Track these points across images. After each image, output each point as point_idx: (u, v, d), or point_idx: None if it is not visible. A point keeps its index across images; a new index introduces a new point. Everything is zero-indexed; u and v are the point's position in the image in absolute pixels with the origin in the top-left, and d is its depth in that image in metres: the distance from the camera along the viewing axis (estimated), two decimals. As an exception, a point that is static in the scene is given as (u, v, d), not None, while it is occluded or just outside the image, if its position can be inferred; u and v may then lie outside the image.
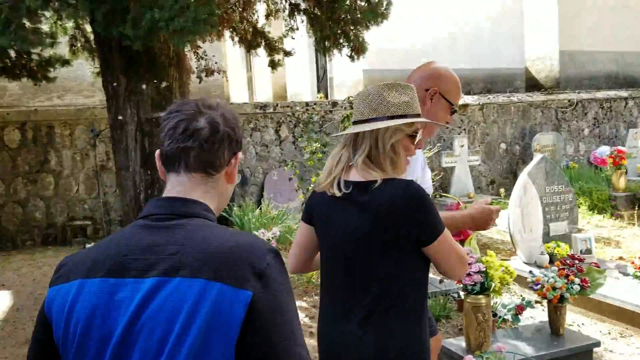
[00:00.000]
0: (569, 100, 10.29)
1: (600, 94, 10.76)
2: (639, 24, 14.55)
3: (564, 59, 13.86)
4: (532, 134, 9.84)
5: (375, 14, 5.61)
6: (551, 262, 5.06)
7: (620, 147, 8.09)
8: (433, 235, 1.62)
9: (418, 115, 1.72)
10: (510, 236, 5.51)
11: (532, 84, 14.35)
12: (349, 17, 5.62)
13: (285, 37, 6.62)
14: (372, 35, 6.97)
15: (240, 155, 1.23)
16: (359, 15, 5.61)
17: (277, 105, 8.46)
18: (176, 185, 1.17)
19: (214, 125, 1.15)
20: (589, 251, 5.38)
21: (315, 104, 8.63)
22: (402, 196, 1.60)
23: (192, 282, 1.01)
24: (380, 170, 1.65)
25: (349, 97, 8.31)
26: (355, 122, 1.72)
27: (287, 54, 6.86)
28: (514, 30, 13.23)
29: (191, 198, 1.15)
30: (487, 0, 12.69)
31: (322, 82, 13.64)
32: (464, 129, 9.47)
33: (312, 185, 5.67)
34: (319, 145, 6.07)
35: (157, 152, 1.20)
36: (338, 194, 1.67)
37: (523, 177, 5.45)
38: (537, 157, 5.62)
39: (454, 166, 8.54)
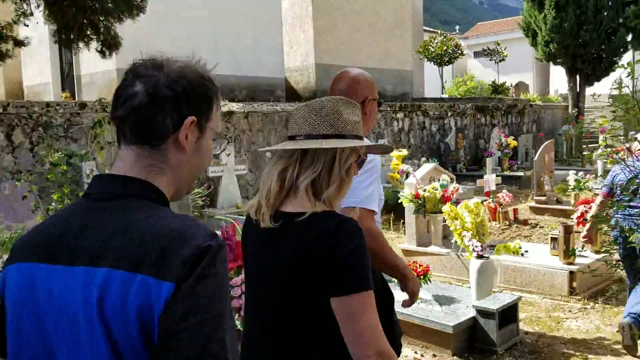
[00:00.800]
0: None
1: (353, 106, 11.51)
2: (382, 42, 16.18)
3: (319, 71, 14.63)
4: (294, 143, 10.01)
5: (130, 5, 4.88)
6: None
7: (373, 156, 8.63)
8: (349, 287, 1.33)
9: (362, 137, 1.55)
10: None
11: (292, 94, 14.83)
12: (97, 5, 4.78)
13: (16, 23, 5.42)
14: (128, 31, 6.19)
15: (195, 119, 1.07)
16: (110, 5, 4.80)
17: (8, 104, 6.99)
18: (118, 161, 1.09)
19: (150, 88, 1.04)
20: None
21: (58, 104, 7.36)
22: (332, 232, 1.36)
23: (113, 273, 0.95)
24: (319, 201, 1.43)
25: (100, 99, 7.28)
26: (306, 137, 1.46)
27: (19, 43, 5.64)
28: (275, 41, 13.45)
29: (129, 175, 1.06)
30: (247, 9, 12.64)
31: (68, 79, 12.01)
32: (230, 137, 9.16)
33: (53, 204, 4.67)
34: (63, 155, 5.06)
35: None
36: (271, 226, 1.44)
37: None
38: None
39: (221, 176, 8.13)
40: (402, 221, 8.07)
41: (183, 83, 1.05)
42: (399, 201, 6.33)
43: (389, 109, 12.22)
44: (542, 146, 9.13)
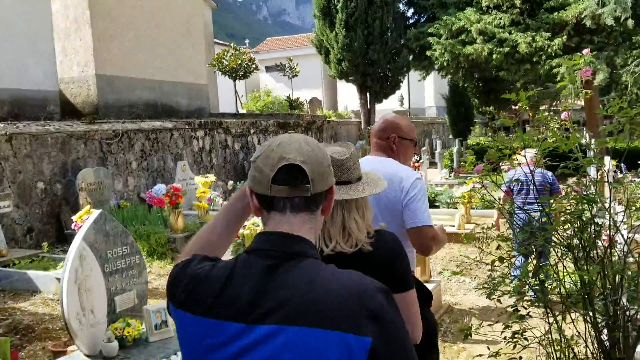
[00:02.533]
0: (114, 131, 9.19)
1: (146, 125, 10.09)
2: (172, 53, 14.85)
3: (101, 83, 12.78)
4: (75, 170, 8.30)
5: None
6: (122, 347, 3.87)
7: (176, 185, 7.44)
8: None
9: None
10: (66, 324, 3.93)
11: (69, 110, 12.71)
12: None
13: None
14: None
15: (334, 187, 1.27)
16: None
17: None
18: (282, 224, 1.20)
19: (317, 165, 1.20)
20: (165, 324, 4.31)
21: None
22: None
23: (311, 332, 1.04)
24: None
25: None
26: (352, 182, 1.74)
27: None
28: (45, 48, 11.28)
29: (300, 236, 1.19)
30: (6, 10, 10.38)
31: None
32: (-16, 167, 7.15)
33: None
34: None
35: (248, 188, 1.26)
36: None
37: (77, 243, 3.94)
38: (94, 214, 4.20)
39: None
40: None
41: (328, 156, 1.26)
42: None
43: (187, 126, 11.05)
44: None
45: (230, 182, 10.46)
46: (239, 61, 20.16)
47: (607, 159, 5.32)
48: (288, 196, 1.18)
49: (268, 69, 33.43)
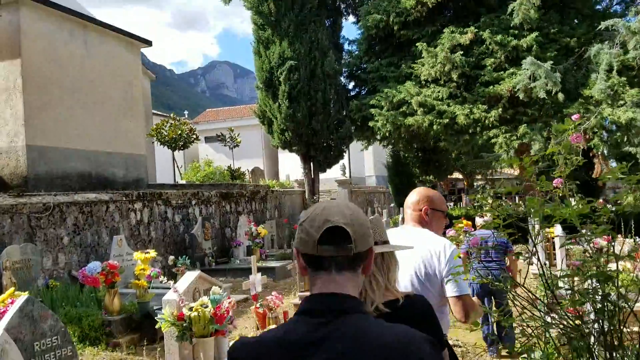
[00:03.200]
0: (45, 204, 8.51)
1: (80, 197, 9.44)
2: (108, 123, 14.34)
3: (32, 154, 12.05)
4: (0, 247, 7.54)
5: None
6: None
7: (112, 262, 6.83)
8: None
9: None
10: None
11: (-5, 182, 11.84)
12: None
13: None
14: None
15: (374, 248, 1.39)
16: None
17: None
18: (329, 283, 1.29)
19: (359, 226, 1.30)
20: None
21: None
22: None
23: None
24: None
25: None
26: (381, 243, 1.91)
27: None
28: (-31, 115, 10.60)
29: (347, 294, 1.28)
30: None
31: None
32: None
33: None
34: None
35: (295, 249, 1.35)
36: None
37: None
38: (20, 299, 3.65)
39: None
40: (157, 345, 6.39)
41: (366, 218, 1.38)
42: (159, 318, 4.79)
43: (124, 198, 10.45)
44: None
45: (171, 257, 9.84)
46: (179, 131, 19.79)
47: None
48: (333, 255, 1.28)
49: (208, 139, 33.16)
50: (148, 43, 16.33)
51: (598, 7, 15.79)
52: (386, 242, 1.92)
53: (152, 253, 7.17)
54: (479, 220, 6.23)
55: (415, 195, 2.80)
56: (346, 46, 18.81)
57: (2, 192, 9.50)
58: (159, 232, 11.37)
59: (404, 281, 2.46)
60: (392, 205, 24.20)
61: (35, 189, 11.16)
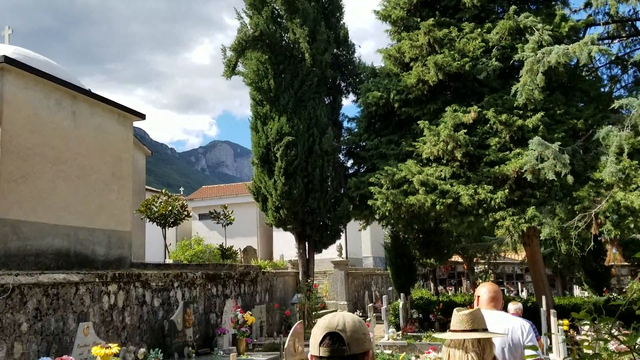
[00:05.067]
0: (3, 285, 7.52)
1: (46, 278, 8.45)
2: (91, 198, 13.52)
3: (4, 229, 11.13)
4: (-62, 337, 6.47)
5: None
6: None
7: (68, 357, 5.78)
8: None
9: None
10: None
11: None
12: None
13: None
14: None
15: (371, 352, 1.69)
16: None
17: None
18: None
19: (353, 333, 1.66)
20: None
21: None
22: None
23: None
24: None
25: None
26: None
27: None
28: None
29: None
30: None
31: None
32: None
33: None
34: None
35: (310, 355, 1.69)
36: None
37: None
38: None
39: None
40: None
41: (365, 330, 1.74)
42: None
43: (97, 279, 9.45)
44: (291, 331, 7.50)
45: (142, 351, 8.71)
46: (170, 208, 18.98)
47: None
48: (329, 356, 1.62)
49: (202, 216, 32.36)
50: (141, 116, 15.84)
51: (603, 90, 15.50)
52: (485, 329, 2.61)
53: (114, 348, 6.13)
54: (511, 307, 7.11)
55: (490, 286, 3.78)
56: (345, 123, 18.44)
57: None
58: (135, 318, 10.26)
59: (496, 352, 2.96)
60: (390, 288, 22.98)
61: (5, 267, 10.18)
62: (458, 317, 2.62)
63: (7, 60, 11.27)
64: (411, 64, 15.34)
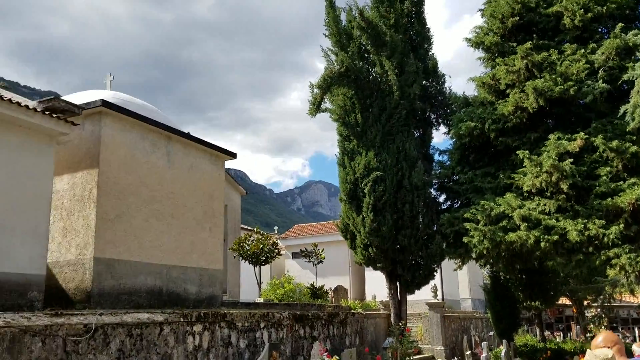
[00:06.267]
0: (86, 325, 7.52)
1: (130, 317, 8.41)
2: (184, 236, 13.68)
3: (98, 267, 11.40)
4: (23, 376, 6.48)
5: None
6: None
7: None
8: None
9: None
10: None
11: (59, 297, 11.22)
12: None
13: None
14: None
15: None
16: None
17: None
18: None
19: None
20: None
21: None
22: None
23: None
24: None
25: None
26: None
27: None
28: (37, 227, 10.16)
29: None
30: None
31: None
32: None
33: None
34: None
35: None
36: None
37: None
38: None
39: None
40: None
41: None
42: None
43: (181, 319, 9.31)
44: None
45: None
46: (261, 246, 18.97)
47: None
48: None
49: (295, 255, 32.36)
50: (232, 155, 16.03)
51: None
52: None
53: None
54: (636, 349, 6.91)
55: (606, 336, 3.77)
56: (436, 156, 17.68)
57: (63, 307, 8.70)
58: (220, 360, 10.00)
59: None
60: (491, 333, 21.36)
61: (99, 305, 10.37)
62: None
63: (105, 104, 11.77)
64: (507, 90, 14.44)
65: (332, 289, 20.47)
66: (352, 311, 15.21)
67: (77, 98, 12.91)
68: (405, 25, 16.88)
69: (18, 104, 9.39)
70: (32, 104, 10.11)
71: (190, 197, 14.25)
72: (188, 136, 14.32)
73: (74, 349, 7.29)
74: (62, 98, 10.59)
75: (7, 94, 10.56)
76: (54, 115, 10.05)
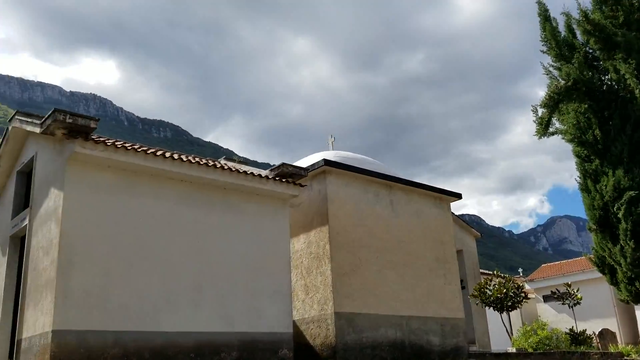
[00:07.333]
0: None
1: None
2: (418, 285, 13.28)
3: (340, 322, 11.59)
4: None
5: None
6: None
7: None
8: None
9: None
10: None
11: (308, 353, 11.67)
12: None
13: None
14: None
15: None
16: None
17: None
18: None
19: None
20: None
21: None
22: None
23: None
24: None
25: None
26: None
27: None
28: (282, 287, 10.80)
29: None
30: (241, 247, 10.41)
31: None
32: None
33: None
34: None
35: None
36: None
37: None
38: None
39: None
40: None
41: None
42: None
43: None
44: None
45: None
46: (504, 290, 17.55)
47: None
48: None
49: (546, 298, 29.42)
50: (457, 196, 15.38)
51: None
52: None
53: None
54: None
55: None
56: None
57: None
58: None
59: None
60: None
61: (343, 359, 10.46)
62: None
63: (327, 162, 12.31)
64: None
65: (596, 333, 17.81)
66: (625, 358, 12.88)
67: (304, 162, 13.78)
68: (638, 21, 14.67)
69: (252, 174, 10.28)
70: (264, 172, 11.02)
71: (419, 243, 13.90)
72: (408, 182, 14.17)
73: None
74: (289, 163, 11.34)
75: (243, 167, 11.72)
76: (284, 180, 10.78)
